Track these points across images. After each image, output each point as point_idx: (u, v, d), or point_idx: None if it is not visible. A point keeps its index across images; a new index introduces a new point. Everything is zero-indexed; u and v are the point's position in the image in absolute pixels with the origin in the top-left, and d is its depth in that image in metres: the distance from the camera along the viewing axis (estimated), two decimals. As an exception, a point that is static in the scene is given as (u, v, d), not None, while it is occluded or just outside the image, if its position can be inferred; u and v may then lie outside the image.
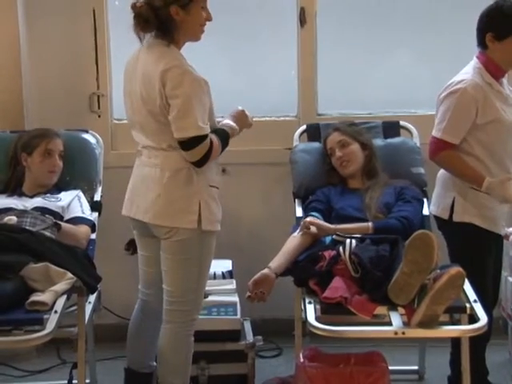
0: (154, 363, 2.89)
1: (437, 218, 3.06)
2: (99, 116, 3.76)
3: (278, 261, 2.89)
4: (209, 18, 2.69)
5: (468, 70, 2.97)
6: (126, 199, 2.79)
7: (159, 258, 2.74)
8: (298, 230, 2.98)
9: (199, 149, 2.59)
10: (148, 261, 2.83)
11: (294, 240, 2.94)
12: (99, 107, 3.76)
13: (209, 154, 2.61)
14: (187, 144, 2.58)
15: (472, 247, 2.95)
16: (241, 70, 3.80)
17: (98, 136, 3.44)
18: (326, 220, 3.06)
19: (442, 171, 3.08)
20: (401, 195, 3.09)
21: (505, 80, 3.04)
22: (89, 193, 3.27)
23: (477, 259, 2.92)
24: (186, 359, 2.73)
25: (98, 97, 3.75)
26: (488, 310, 2.63)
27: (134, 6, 2.63)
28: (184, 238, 2.64)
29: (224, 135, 2.71)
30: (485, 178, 2.89)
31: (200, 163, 2.62)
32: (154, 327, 2.82)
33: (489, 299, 2.93)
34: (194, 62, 3.73)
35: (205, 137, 2.59)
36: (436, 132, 2.94)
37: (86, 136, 3.41)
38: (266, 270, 2.85)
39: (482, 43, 2.96)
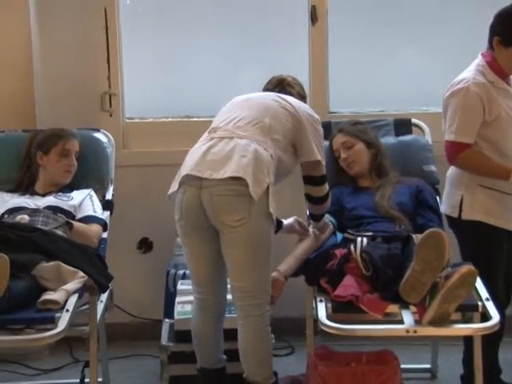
0: (224, 356, 2.88)
1: (447, 216, 3.04)
2: (111, 115, 3.76)
3: (287, 264, 2.89)
4: None
5: (470, 69, 2.95)
6: (193, 164, 2.64)
7: (212, 255, 2.69)
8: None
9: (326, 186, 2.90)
10: (199, 259, 2.74)
11: (304, 242, 2.96)
12: (111, 106, 3.76)
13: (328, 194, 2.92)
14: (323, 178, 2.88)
15: (482, 245, 2.93)
16: (251, 68, 3.79)
17: (109, 135, 3.44)
18: (337, 219, 3.07)
19: (451, 170, 3.06)
20: (419, 197, 3.07)
21: None
22: (100, 192, 3.26)
23: (487, 257, 2.90)
24: (269, 350, 2.74)
25: (110, 96, 3.75)
26: (500, 308, 2.61)
27: (286, 81, 3.05)
28: (254, 225, 2.58)
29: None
30: (511, 167, 2.86)
31: (325, 198, 2.90)
32: (216, 321, 2.82)
33: (500, 297, 2.91)
34: (205, 62, 3.82)
35: None
36: (449, 135, 2.91)
37: (97, 135, 3.41)
38: (274, 274, 2.84)
39: (490, 43, 2.94)
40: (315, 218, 2.98)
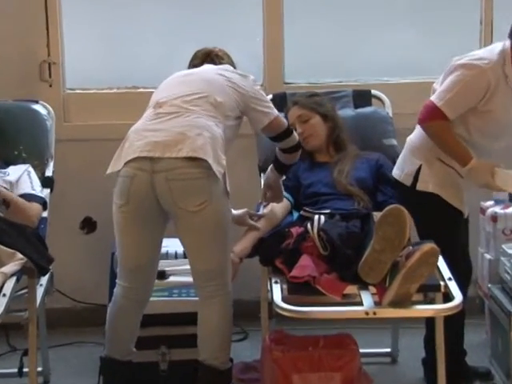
0: (134, 349, 2.80)
1: (398, 183, 2.98)
2: (50, 85, 3.68)
3: (243, 244, 2.86)
4: None
5: (493, 51, 2.85)
6: (142, 145, 2.55)
7: (152, 243, 2.67)
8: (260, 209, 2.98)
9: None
10: (135, 246, 2.67)
11: (260, 222, 2.93)
12: (50, 76, 3.68)
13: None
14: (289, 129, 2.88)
15: (437, 219, 2.90)
16: (205, 37, 3.65)
17: (49, 107, 3.35)
18: (294, 197, 3.03)
19: (412, 137, 3.00)
20: (379, 173, 3.03)
21: None
22: (40, 168, 3.19)
23: (443, 231, 2.85)
24: (230, 333, 2.74)
25: (49, 64, 3.69)
26: (462, 284, 2.57)
27: (213, 52, 2.94)
28: (216, 206, 2.56)
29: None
30: (472, 158, 2.81)
31: (299, 146, 2.90)
32: (140, 311, 2.76)
33: (461, 274, 2.81)
34: (153, 29, 3.80)
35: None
36: (437, 99, 2.83)
37: (35, 107, 3.33)
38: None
39: None
40: (283, 170, 2.97)
